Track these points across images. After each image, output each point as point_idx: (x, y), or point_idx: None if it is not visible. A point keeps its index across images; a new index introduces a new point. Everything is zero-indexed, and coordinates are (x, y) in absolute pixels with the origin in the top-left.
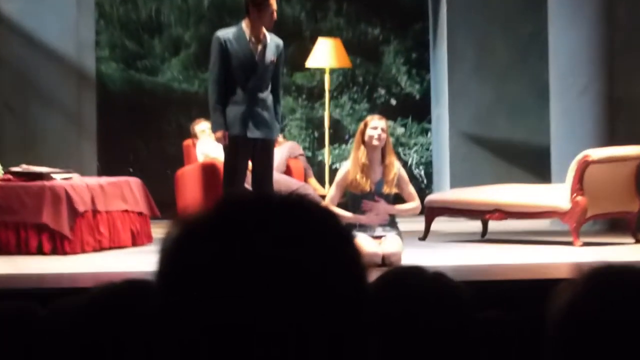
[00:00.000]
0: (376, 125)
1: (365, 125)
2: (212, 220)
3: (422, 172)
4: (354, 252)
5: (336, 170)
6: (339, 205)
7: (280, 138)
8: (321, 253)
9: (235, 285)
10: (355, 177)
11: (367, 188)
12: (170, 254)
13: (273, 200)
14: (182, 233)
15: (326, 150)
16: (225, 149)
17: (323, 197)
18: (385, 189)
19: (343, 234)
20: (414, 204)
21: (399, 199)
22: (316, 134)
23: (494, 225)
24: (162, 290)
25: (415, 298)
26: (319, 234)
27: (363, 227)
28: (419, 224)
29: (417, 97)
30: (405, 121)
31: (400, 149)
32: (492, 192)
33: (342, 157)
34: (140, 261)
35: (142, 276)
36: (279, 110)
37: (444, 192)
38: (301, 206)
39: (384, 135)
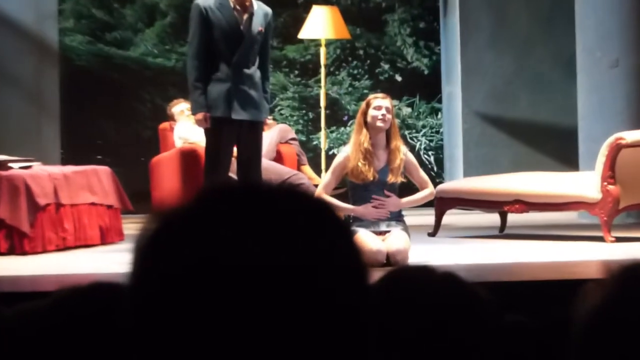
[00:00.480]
0: (380, 105)
1: (368, 105)
2: (192, 214)
3: (432, 159)
4: (354, 250)
5: (334, 156)
6: (335, 195)
7: (269, 120)
8: (316, 251)
9: (219, 289)
10: (357, 164)
11: (370, 176)
12: (144, 254)
13: (261, 191)
14: (158, 229)
15: (322, 133)
16: (207, 132)
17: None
18: (391, 178)
19: (341, 230)
20: (428, 191)
21: (404, 188)
22: (311, 115)
23: (513, 218)
24: (135, 296)
25: (423, 301)
26: (313, 230)
27: (364, 222)
28: (428, 218)
29: (426, 72)
30: (413, 100)
31: (406, 132)
32: (511, 181)
33: (341, 142)
34: (110, 261)
35: (112, 279)
36: (267, 88)
37: (457, 181)
38: (293, 198)
39: (388, 116)
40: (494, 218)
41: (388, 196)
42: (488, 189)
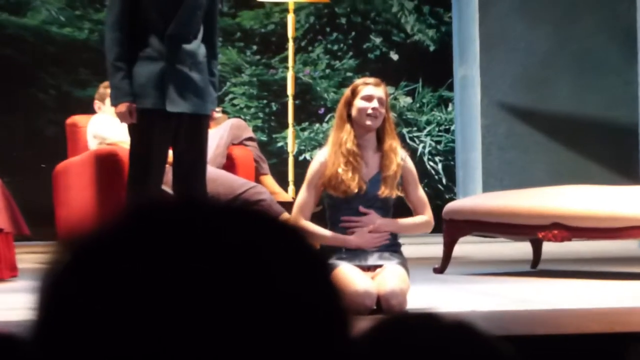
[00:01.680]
0: (370, 94)
1: (353, 94)
2: (112, 243)
3: (440, 167)
4: (331, 293)
5: (306, 163)
6: (316, 217)
7: (217, 113)
8: (279, 299)
9: (150, 342)
10: (337, 171)
11: (355, 188)
12: (51, 295)
13: (206, 212)
14: (69, 263)
15: (290, 132)
16: (132, 130)
17: (285, 204)
18: (383, 191)
19: (315, 265)
20: (423, 218)
21: (400, 206)
22: (274, 107)
23: (550, 248)
24: (41, 351)
25: None
26: (276, 265)
27: (349, 253)
28: (434, 248)
29: (432, 48)
30: (414, 87)
31: (405, 131)
32: (548, 198)
33: (315, 144)
34: (1, 305)
35: (6, 328)
36: (215, 69)
37: (473, 198)
38: (249, 221)
39: (382, 110)
40: (523, 248)
41: (367, 213)
42: (516, 209)
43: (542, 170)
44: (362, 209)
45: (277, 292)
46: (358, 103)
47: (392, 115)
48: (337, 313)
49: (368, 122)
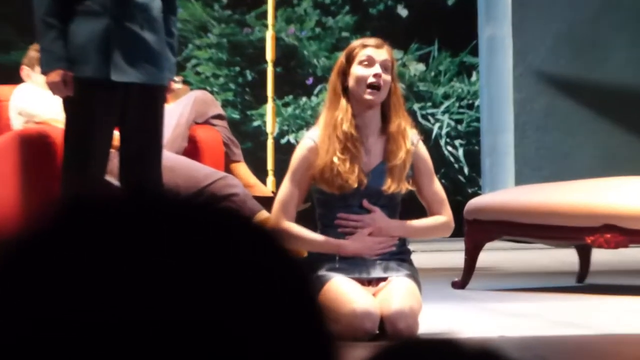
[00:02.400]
0: (371, 58)
1: (349, 59)
2: (39, 248)
3: (460, 152)
4: (315, 314)
5: (290, 148)
6: (301, 218)
7: (176, 84)
8: (249, 315)
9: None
10: (331, 161)
11: (354, 183)
12: None
13: (161, 210)
14: None
15: (269, 108)
16: (68, 104)
17: (263, 200)
18: (389, 185)
19: (294, 278)
20: (440, 218)
21: (411, 203)
22: (249, 76)
23: (601, 256)
24: None
25: None
26: (247, 278)
27: (345, 262)
28: (453, 256)
29: (450, 2)
30: (428, 50)
31: (416, 106)
32: (598, 192)
33: (302, 123)
34: None
35: None
36: (174, 28)
37: (503, 192)
38: (217, 222)
39: (386, 78)
40: (567, 257)
41: (372, 211)
42: (557, 207)
43: (591, 157)
44: (366, 204)
45: (247, 321)
46: (355, 70)
47: (401, 86)
48: (326, 341)
49: (368, 96)
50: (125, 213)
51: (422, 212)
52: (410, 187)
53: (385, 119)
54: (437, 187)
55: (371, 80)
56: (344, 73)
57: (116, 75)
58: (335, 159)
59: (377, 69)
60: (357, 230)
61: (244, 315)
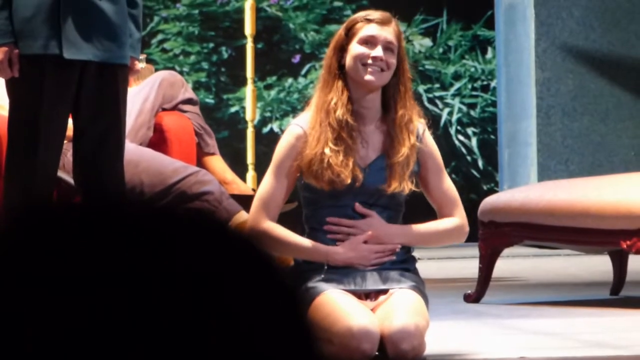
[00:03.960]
0: (373, 35)
1: (349, 35)
2: None
3: (474, 142)
4: (303, 334)
5: (274, 137)
6: (288, 218)
7: (140, 63)
8: (224, 343)
9: None
10: (322, 152)
11: (347, 179)
12: None
13: (123, 214)
14: None
15: (249, 91)
16: (13, 87)
17: (242, 199)
18: (390, 184)
19: (278, 293)
20: (451, 221)
21: (417, 203)
22: (225, 54)
23: (639, 265)
24: None
25: None
26: (223, 295)
27: (336, 273)
28: (466, 265)
29: None
30: (435, 22)
31: (422, 89)
32: (635, 189)
33: (288, 108)
34: None
35: None
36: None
37: (524, 190)
38: (186, 229)
39: (390, 60)
40: (600, 266)
41: (369, 215)
42: (588, 206)
43: (628, 148)
44: (358, 207)
45: (222, 341)
46: (354, 48)
47: (407, 65)
48: None
49: (369, 76)
50: (80, 222)
51: (430, 214)
52: (414, 188)
53: (387, 106)
54: (448, 184)
55: (372, 60)
56: (342, 49)
57: (69, 53)
58: (327, 150)
59: (378, 51)
60: (349, 237)
61: (218, 340)
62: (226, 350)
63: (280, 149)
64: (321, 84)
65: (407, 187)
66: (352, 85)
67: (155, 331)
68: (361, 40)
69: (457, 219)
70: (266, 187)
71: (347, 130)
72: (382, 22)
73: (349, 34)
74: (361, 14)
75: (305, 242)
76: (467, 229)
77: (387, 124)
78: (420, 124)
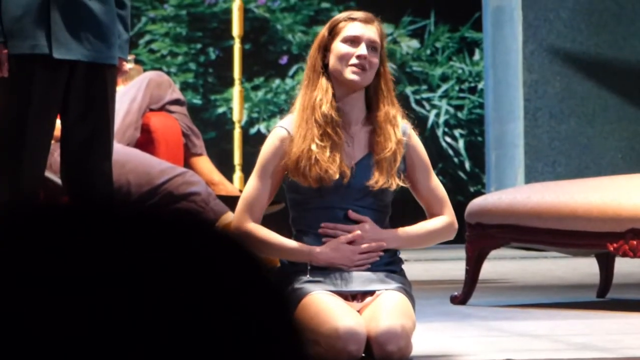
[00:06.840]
0: (357, 35)
1: (332, 34)
2: None
3: (461, 144)
4: (290, 335)
5: (260, 138)
6: (274, 220)
7: (128, 63)
8: (213, 345)
9: None
10: (308, 148)
11: (334, 175)
12: None
13: (111, 215)
14: None
15: (236, 92)
16: (1, 87)
17: (229, 200)
18: (377, 180)
19: (265, 294)
20: (440, 220)
21: (405, 202)
22: (213, 54)
23: (626, 268)
24: None
25: None
26: (209, 296)
27: (321, 273)
28: (453, 266)
29: None
30: (423, 24)
31: (409, 90)
32: (623, 192)
33: (274, 109)
34: None
35: None
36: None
37: (511, 192)
38: (173, 229)
39: (373, 59)
40: (586, 268)
41: (363, 221)
42: (574, 209)
43: (615, 150)
44: (352, 214)
45: (211, 342)
46: (338, 47)
47: (391, 67)
48: None
49: (352, 75)
50: (67, 222)
51: (421, 215)
52: (401, 184)
53: (371, 105)
54: (435, 182)
55: (354, 61)
56: (326, 48)
57: (58, 53)
58: (314, 147)
59: (362, 49)
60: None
61: (206, 342)
62: (214, 351)
63: (265, 151)
64: (306, 83)
65: (395, 182)
66: (335, 84)
67: (141, 331)
68: (345, 39)
69: (447, 217)
70: (250, 189)
71: (332, 126)
72: (366, 21)
73: (332, 33)
74: (344, 14)
75: (288, 242)
76: (457, 225)
77: (371, 122)
78: (405, 124)
